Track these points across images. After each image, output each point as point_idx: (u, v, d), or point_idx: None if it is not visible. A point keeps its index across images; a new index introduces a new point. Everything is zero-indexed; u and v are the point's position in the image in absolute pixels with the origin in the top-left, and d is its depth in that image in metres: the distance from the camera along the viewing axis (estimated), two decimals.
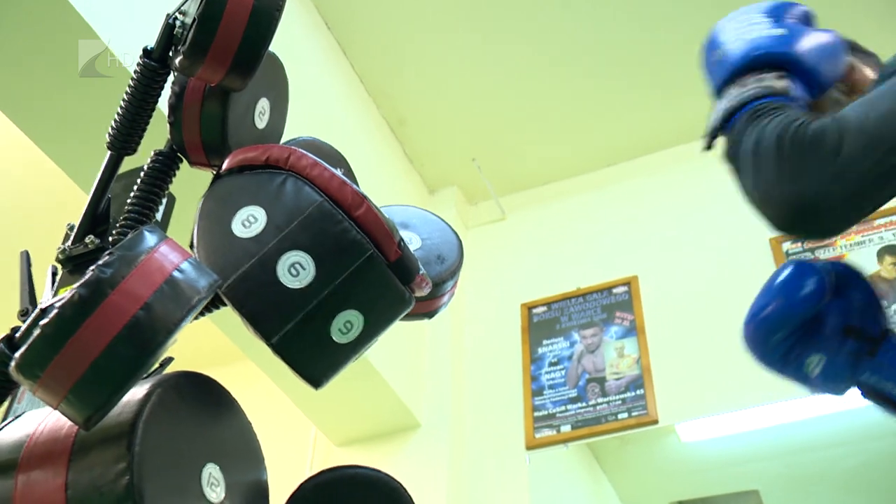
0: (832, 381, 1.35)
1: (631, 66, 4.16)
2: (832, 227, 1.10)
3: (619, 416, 3.64)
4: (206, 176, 1.30)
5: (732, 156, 1.17)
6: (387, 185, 4.28)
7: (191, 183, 1.42)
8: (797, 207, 1.05)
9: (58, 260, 1.29)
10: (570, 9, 3.95)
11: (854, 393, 1.36)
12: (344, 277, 1.08)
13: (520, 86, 4.26)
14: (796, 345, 1.35)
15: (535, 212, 4.65)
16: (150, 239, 0.97)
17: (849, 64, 1.34)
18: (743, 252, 3.81)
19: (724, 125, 1.21)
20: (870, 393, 1.36)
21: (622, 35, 4.05)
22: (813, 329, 1.34)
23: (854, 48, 1.39)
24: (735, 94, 1.21)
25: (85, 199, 1.32)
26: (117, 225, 1.26)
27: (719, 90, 1.26)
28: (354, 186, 1.13)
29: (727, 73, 1.25)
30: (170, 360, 1.25)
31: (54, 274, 1.29)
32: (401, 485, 1.28)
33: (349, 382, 3.58)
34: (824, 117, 1.08)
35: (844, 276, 1.35)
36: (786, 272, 1.36)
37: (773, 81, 1.20)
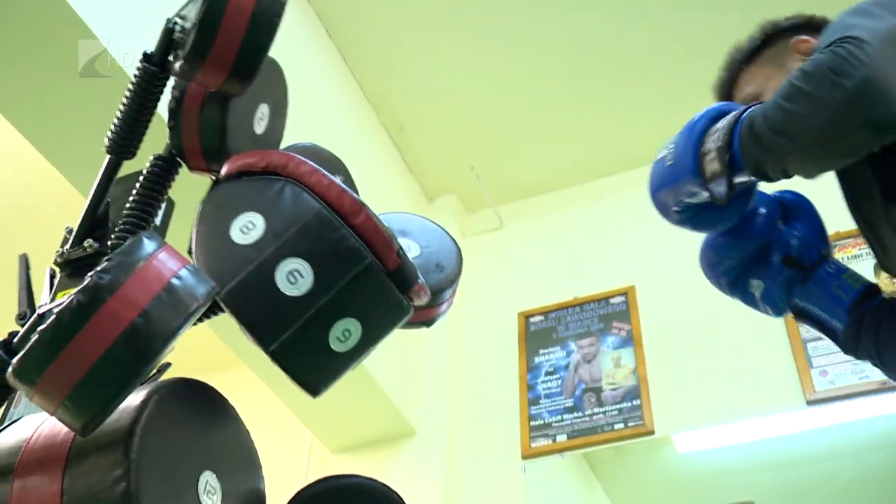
0: (771, 304, 1.49)
1: (631, 77, 4.17)
2: None
3: (616, 427, 3.64)
4: (205, 181, 1.30)
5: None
6: (385, 192, 4.28)
7: (190, 188, 1.41)
8: None
9: (56, 263, 1.29)
10: (569, 20, 3.95)
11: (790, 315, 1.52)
12: (342, 285, 1.07)
13: (519, 95, 4.26)
14: (743, 271, 1.51)
15: (532, 221, 4.64)
16: (148, 245, 0.97)
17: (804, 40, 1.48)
18: None
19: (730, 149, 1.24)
20: (799, 314, 1.49)
21: (622, 46, 4.05)
22: (758, 256, 1.49)
23: (811, 24, 1.52)
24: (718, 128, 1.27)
25: (84, 203, 1.31)
26: (116, 229, 1.25)
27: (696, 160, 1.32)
28: (353, 194, 1.12)
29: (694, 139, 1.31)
30: (167, 365, 1.24)
31: (52, 277, 1.29)
32: (397, 494, 1.28)
33: (345, 390, 3.57)
34: None
35: (791, 206, 1.46)
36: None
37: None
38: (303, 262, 1.08)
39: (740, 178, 1.25)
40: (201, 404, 1.13)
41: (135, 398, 1.00)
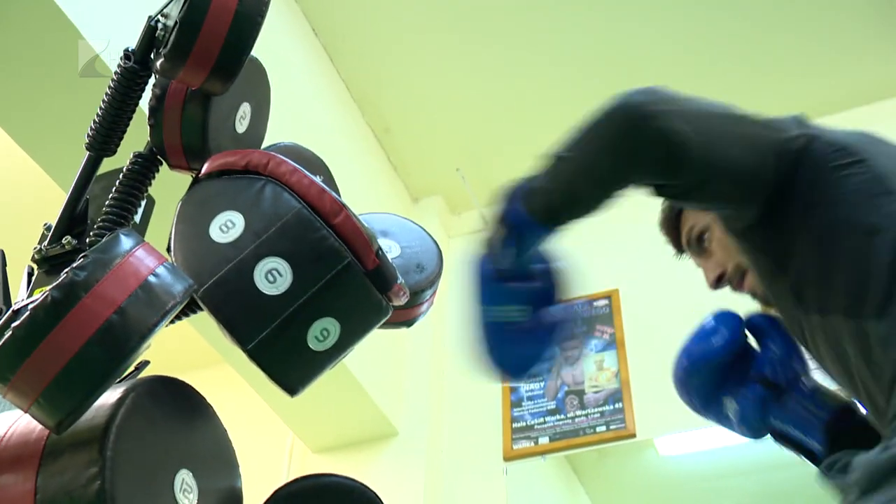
0: (747, 425, 1.44)
1: (617, 79, 4.16)
2: None
3: (598, 430, 3.64)
4: (185, 179, 1.29)
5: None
6: (370, 193, 4.27)
7: (170, 186, 1.41)
8: None
9: (34, 260, 1.28)
10: (556, 22, 3.95)
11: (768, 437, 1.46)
12: (321, 285, 1.07)
13: (506, 97, 4.26)
14: (715, 390, 1.46)
15: None
16: (125, 242, 0.96)
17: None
18: None
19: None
20: (778, 437, 1.44)
21: (609, 48, 4.06)
22: (731, 376, 1.43)
23: None
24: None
25: (64, 199, 1.31)
26: (95, 226, 1.25)
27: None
28: (333, 194, 1.12)
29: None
30: (146, 363, 1.24)
31: (30, 274, 1.28)
32: (376, 495, 1.28)
33: (327, 389, 3.57)
34: None
35: (762, 328, 1.42)
36: (706, 322, 1.48)
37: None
38: (282, 261, 1.07)
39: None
40: (178, 402, 1.13)
41: (111, 396, 1.00)
